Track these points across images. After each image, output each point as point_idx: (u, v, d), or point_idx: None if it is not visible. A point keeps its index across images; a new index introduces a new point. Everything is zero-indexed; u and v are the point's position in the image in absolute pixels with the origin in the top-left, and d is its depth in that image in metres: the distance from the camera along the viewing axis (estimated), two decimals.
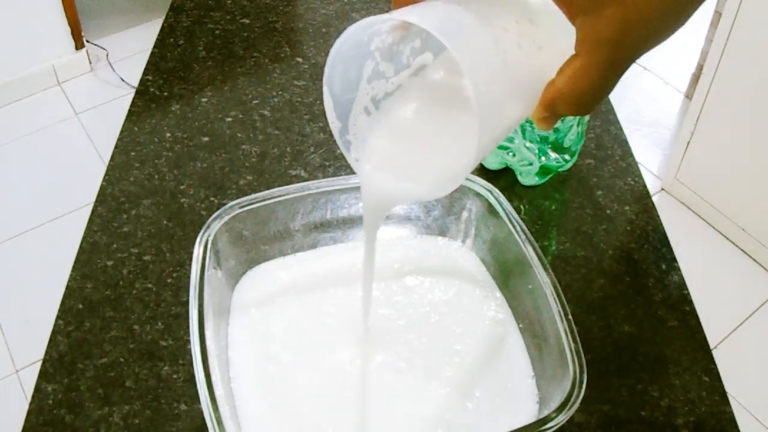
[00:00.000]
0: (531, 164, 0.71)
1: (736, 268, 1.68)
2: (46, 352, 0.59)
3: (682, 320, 0.63)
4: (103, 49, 2.18)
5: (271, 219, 0.59)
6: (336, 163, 0.75)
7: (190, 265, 0.53)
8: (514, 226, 0.56)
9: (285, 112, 0.81)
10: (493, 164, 0.73)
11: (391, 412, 0.52)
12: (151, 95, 0.83)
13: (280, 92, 0.83)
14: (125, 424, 0.55)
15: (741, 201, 1.66)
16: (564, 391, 0.47)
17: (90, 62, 2.18)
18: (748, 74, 1.49)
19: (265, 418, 0.51)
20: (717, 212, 1.71)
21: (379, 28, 0.38)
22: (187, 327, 0.55)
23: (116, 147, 0.76)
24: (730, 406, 0.58)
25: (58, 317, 0.62)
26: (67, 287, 0.64)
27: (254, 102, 0.82)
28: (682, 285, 0.65)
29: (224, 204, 0.57)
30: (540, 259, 0.54)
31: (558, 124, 0.69)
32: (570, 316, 0.51)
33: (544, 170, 0.72)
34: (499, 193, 0.59)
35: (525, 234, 0.55)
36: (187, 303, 0.55)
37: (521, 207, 0.71)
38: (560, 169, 0.73)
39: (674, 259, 0.68)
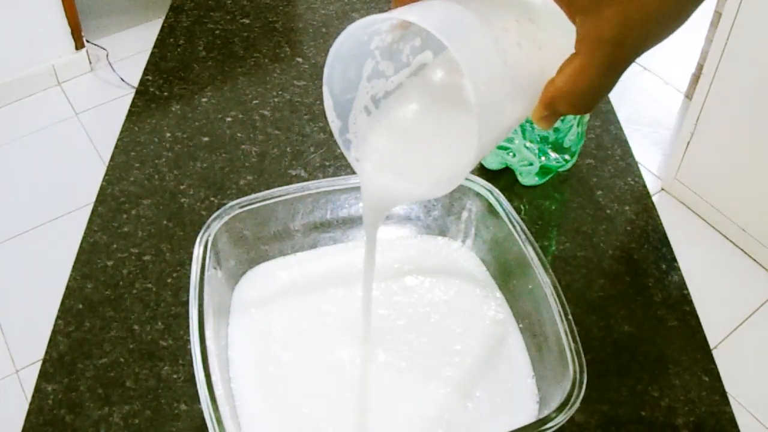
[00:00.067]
0: (531, 164, 0.71)
1: (736, 268, 1.68)
2: (46, 352, 0.59)
3: (682, 320, 0.63)
4: (103, 49, 2.18)
5: (271, 219, 0.59)
6: (336, 163, 0.75)
7: (190, 265, 0.53)
8: (514, 226, 0.56)
9: (285, 112, 0.81)
10: (493, 164, 0.73)
11: (391, 412, 0.52)
12: (151, 95, 0.83)
13: (280, 92, 0.83)
14: (125, 424, 0.55)
15: (741, 201, 1.66)
16: (564, 391, 0.47)
17: (90, 62, 2.18)
18: (748, 74, 1.49)
19: (265, 418, 0.51)
20: (717, 212, 1.71)
21: (379, 27, 0.38)
22: (187, 327, 0.55)
23: (116, 147, 0.76)
24: (730, 406, 0.58)
25: (58, 317, 0.62)
26: (67, 287, 0.64)
27: (254, 102, 0.82)
28: (682, 285, 0.65)
29: (224, 204, 0.57)
30: (540, 259, 0.54)
31: (558, 124, 0.69)
32: (570, 316, 0.51)
33: (544, 170, 0.72)
34: (499, 193, 0.58)
35: (525, 234, 0.55)
36: (187, 303, 0.55)
37: (521, 207, 0.71)
38: (560, 169, 0.73)
39: (674, 259, 0.68)
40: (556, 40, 0.36)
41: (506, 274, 0.59)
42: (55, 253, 1.54)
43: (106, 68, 2.17)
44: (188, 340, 0.51)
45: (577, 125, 0.70)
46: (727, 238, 1.72)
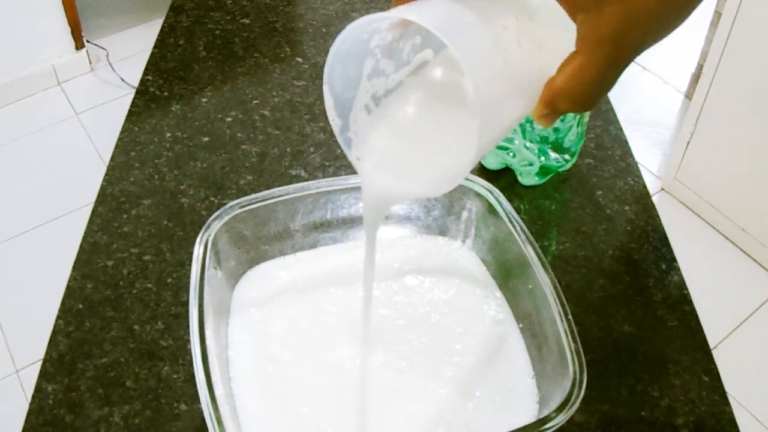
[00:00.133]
0: (531, 164, 0.71)
1: (736, 268, 1.68)
2: (47, 352, 0.59)
3: (682, 320, 0.63)
4: (103, 49, 2.18)
5: (271, 219, 0.59)
6: (336, 163, 0.75)
7: (190, 265, 0.53)
8: (514, 226, 0.56)
9: (285, 112, 0.81)
10: (493, 164, 0.73)
11: (392, 412, 0.52)
12: (151, 95, 0.83)
13: (280, 92, 0.83)
14: (125, 424, 0.55)
15: (741, 201, 1.66)
16: (564, 391, 0.47)
17: (90, 62, 2.18)
18: (748, 74, 1.49)
19: (265, 418, 0.51)
20: (717, 212, 1.71)
21: (379, 25, 0.38)
22: (187, 327, 0.55)
23: (116, 147, 0.76)
24: (730, 406, 0.58)
25: (58, 317, 0.62)
26: (68, 287, 0.64)
27: (254, 102, 0.82)
28: (682, 285, 0.65)
29: (224, 204, 0.57)
30: (540, 259, 0.54)
31: (558, 124, 0.69)
32: (570, 316, 0.51)
33: (544, 170, 0.72)
34: (499, 193, 0.58)
35: (525, 234, 0.55)
36: (187, 303, 0.55)
37: (521, 207, 0.71)
38: (560, 169, 0.73)
39: (674, 259, 0.68)
40: (556, 38, 0.36)
41: (506, 274, 0.59)
42: (55, 253, 1.54)
43: (106, 68, 2.17)
44: (188, 340, 0.51)
45: (577, 125, 0.70)
46: (727, 238, 1.72)
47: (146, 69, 0.86)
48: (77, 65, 2.16)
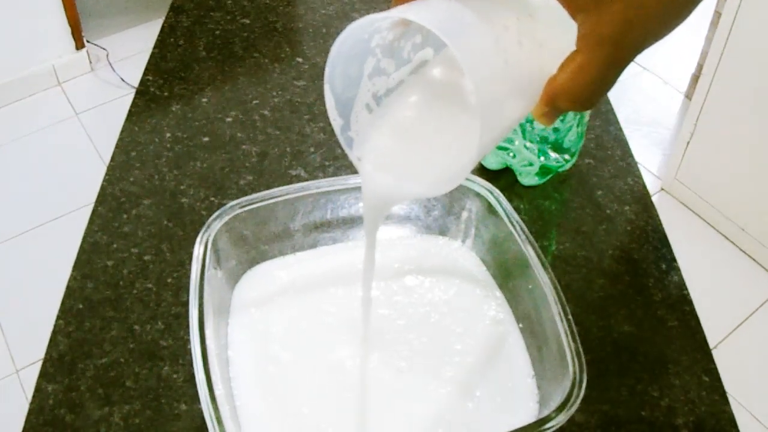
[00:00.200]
0: (531, 164, 0.71)
1: (736, 268, 1.68)
2: (47, 352, 0.59)
3: (682, 320, 0.63)
4: (103, 49, 2.18)
5: (271, 219, 0.59)
6: (336, 163, 0.75)
7: (190, 265, 0.53)
8: (514, 226, 0.56)
9: (285, 112, 0.81)
10: (493, 164, 0.73)
11: (392, 412, 0.52)
12: (152, 95, 0.83)
13: (280, 92, 0.83)
14: (125, 424, 0.55)
15: (741, 201, 1.66)
16: (564, 391, 0.47)
17: (90, 62, 2.18)
18: (748, 74, 1.49)
19: (265, 418, 0.51)
20: (717, 212, 1.71)
21: (380, 25, 0.38)
22: (187, 327, 0.55)
23: (116, 147, 0.77)
24: (730, 406, 0.58)
25: (58, 317, 0.62)
26: (68, 287, 0.64)
27: (254, 102, 0.82)
28: (682, 285, 0.65)
29: (224, 204, 0.57)
30: (540, 259, 0.54)
31: (558, 124, 0.69)
32: (570, 316, 0.51)
33: (544, 170, 0.72)
34: (499, 193, 0.58)
35: (525, 234, 0.55)
36: (187, 303, 0.55)
37: (521, 207, 0.71)
38: (560, 169, 0.73)
39: (674, 259, 0.68)
40: (557, 38, 0.36)
41: (506, 274, 0.59)
42: (55, 253, 1.54)
43: (107, 68, 2.17)
44: (188, 340, 0.51)
45: (577, 125, 0.70)
46: (727, 238, 1.72)
47: (146, 69, 0.86)
48: (77, 65, 2.16)
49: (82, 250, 0.66)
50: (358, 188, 0.59)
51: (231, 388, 0.52)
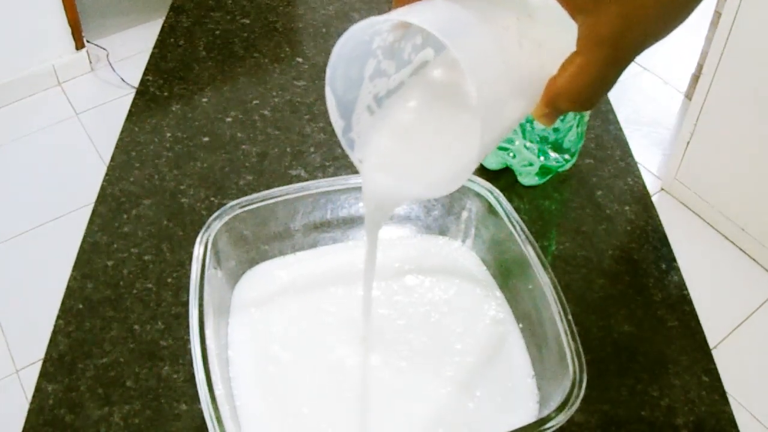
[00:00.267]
0: (531, 164, 0.71)
1: (736, 268, 1.68)
2: (47, 352, 0.59)
3: (682, 320, 0.63)
4: (104, 49, 2.18)
5: (271, 219, 0.59)
6: (336, 163, 0.75)
7: (190, 265, 0.53)
8: (514, 226, 0.56)
9: (285, 112, 0.81)
10: (493, 164, 0.73)
11: (392, 412, 0.52)
12: (152, 95, 0.83)
13: (280, 92, 0.83)
14: (125, 424, 0.55)
15: (741, 201, 1.66)
16: (564, 391, 0.47)
17: (90, 62, 2.18)
18: (748, 74, 1.49)
19: (265, 418, 0.51)
20: (717, 212, 1.71)
21: (381, 27, 0.38)
22: (187, 327, 0.55)
23: (116, 147, 0.77)
24: (730, 406, 0.58)
25: (58, 317, 0.62)
26: (68, 287, 0.64)
27: (254, 102, 0.82)
28: (682, 285, 0.65)
29: (224, 204, 0.57)
30: (540, 259, 0.54)
31: (558, 124, 0.69)
32: (570, 316, 0.51)
33: (544, 170, 0.72)
34: (499, 193, 0.59)
35: (525, 234, 0.55)
36: (187, 303, 0.55)
37: (521, 207, 0.71)
38: (560, 169, 0.73)
39: (674, 259, 0.68)
40: (557, 38, 0.36)
41: (506, 273, 0.59)
42: (55, 253, 1.54)
43: (107, 68, 2.17)
44: (188, 340, 0.51)
45: (577, 125, 0.70)
46: (727, 238, 1.72)
47: (146, 69, 0.86)
48: (77, 65, 2.16)
49: (82, 250, 0.66)
50: (358, 188, 0.59)
51: (231, 388, 0.52)
